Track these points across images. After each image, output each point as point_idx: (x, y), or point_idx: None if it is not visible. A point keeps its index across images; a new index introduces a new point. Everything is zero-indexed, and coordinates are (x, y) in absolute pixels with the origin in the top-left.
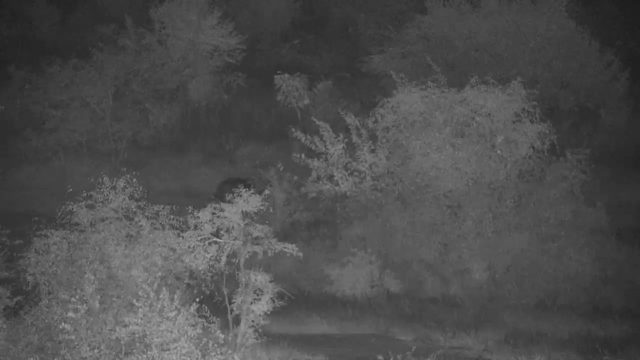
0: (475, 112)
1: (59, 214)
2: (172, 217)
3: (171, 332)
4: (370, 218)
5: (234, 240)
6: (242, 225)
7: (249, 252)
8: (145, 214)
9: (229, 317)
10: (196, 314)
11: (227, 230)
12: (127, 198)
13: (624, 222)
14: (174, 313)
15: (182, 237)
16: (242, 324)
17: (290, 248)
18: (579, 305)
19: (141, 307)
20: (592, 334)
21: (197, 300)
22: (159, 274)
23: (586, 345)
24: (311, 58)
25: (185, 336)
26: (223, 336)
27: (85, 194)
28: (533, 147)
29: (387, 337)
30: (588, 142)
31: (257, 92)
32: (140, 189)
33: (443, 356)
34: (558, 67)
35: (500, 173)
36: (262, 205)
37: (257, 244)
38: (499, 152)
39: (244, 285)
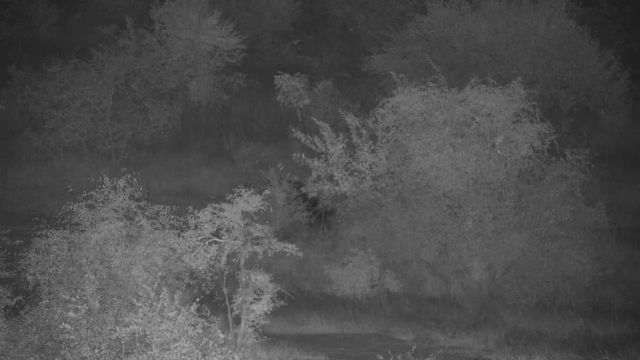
0: (475, 112)
1: (59, 214)
2: (172, 217)
3: (171, 331)
4: (370, 218)
5: (234, 240)
6: (242, 225)
7: (249, 252)
8: (146, 214)
9: (229, 317)
10: (196, 313)
11: (227, 230)
12: (127, 198)
13: (624, 222)
14: (174, 313)
15: (182, 237)
16: (242, 323)
17: (290, 248)
18: (579, 305)
19: (141, 306)
20: (592, 334)
21: (197, 300)
22: (159, 273)
23: (586, 345)
24: (311, 58)
25: (186, 336)
26: (223, 336)
27: (85, 194)
28: (533, 147)
29: (387, 337)
30: (588, 142)
31: (257, 92)
32: (140, 189)
33: (443, 356)
34: (558, 67)
35: (500, 173)
36: (262, 205)
37: (257, 244)
38: (498, 152)
39: (244, 285)
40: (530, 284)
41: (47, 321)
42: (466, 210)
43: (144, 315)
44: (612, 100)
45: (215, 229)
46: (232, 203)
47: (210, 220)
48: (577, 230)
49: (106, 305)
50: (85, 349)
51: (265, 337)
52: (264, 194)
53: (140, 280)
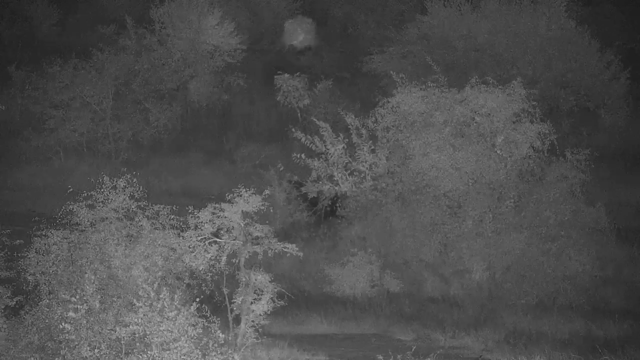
0: (475, 112)
1: (59, 214)
2: (172, 217)
3: (171, 332)
4: (370, 218)
5: (234, 240)
6: (242, 225)
7: (249, 252)
8: (146, 214)
9: (229, 317)
10: (196, 313)
11: (227, 230)
12: (127, 198)
13: (624, 222)
14: (174, 313)
15: (182, 237)
16: (242, 323)
17: (290, 248)
18: (579, 305)
19: (141, 307)
20: (592, 334)
21: (197, 300)
22: (159, 273)
23: (586, 345)
24: (311, 58)
25: (186, 336)
26: (223, 336)
27: (85, 194)
28: (533, 147)
29: (387, 337)
30: (588, 142)
31: (257, 92)
32: (141, 189)
33: (443, 356)
34: (558, 67)
35: (500, 173)
36: (262, 205)
37: (257, 244)
38: (499, 152)
39: (244, 285)
40: (530, 284)
41: (47, 321)
42: (466, 210)
43: (144, 315)
44: (612, 100)
45: (215, 229)
46: (232, 203)
47: (210, 220)
48: (577, 230)
49: (106, 305)
50: (85, 349)
51: (265, 337)
52: (264, 194)
53: (140, 280)
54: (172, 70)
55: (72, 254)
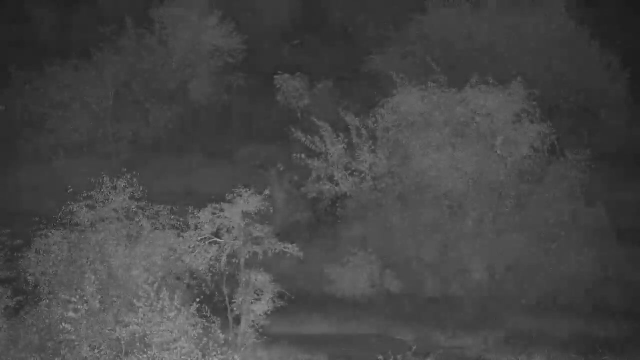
0: (475, 112)
1: (59, 214)
2: (172, 217)
3: (171, 331)
4: (370, 218)
5: (234, 240)
6: (242, 225)
7: (249, 252)
8: (146, 214)
9: (229, 317)
10: (196, 313)
11: (227, 230)
12: (127, 198)
13: (624, 222)
14: (174, 313)
15: (182, 237)
16: (242, 323)
17: (290, 248)
18: (579, 305)
19: (141, 306)
20: (592, 334)
21: (197, 300)
22: (159, 273)
23: (586, 345)
24: (311, 58)
25: (186, 336)
26: (223, 336)
27: (85, 194)
28: (533, 147)
29: (387, 337)
30: (588, 142)
31: (257, 92)
32: (141, 189)
33: (443, 356)
34: (558, 67)
35: (500, 173)
36: (262, 205)
37: (257, 244)
38: (498, 152)
39: (244, 285)
40: (530, 283)
41: (47, 321)
42: (466, 210)
43: (144, 315)
44: (612, 100)
45: (215, 229)
46: (232, 203)
47: (210, 220)
48: (577, 230)
49: (106, 305)
50: (85, 348)
51: (265, 336)
52: (264, 194)
53: (140, 280)
54: (172, 70)
55: (72, 254)
